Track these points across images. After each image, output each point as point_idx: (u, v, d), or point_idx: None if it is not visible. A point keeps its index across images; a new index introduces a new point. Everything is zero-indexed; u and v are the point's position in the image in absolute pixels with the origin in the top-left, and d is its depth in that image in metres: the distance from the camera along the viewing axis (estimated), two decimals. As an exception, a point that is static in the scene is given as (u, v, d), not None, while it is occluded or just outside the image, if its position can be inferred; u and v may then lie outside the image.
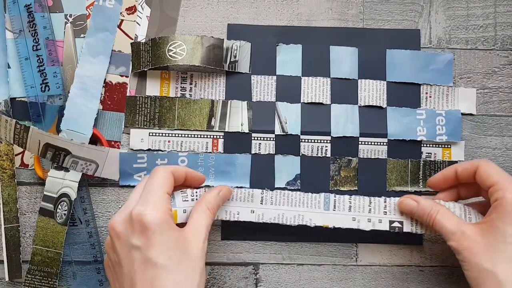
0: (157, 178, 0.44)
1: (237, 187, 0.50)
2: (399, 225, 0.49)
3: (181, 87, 0.53)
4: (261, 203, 0.49)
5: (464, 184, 0.48)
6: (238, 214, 0.49)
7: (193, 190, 0.47)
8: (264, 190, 0.50)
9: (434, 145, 0.53)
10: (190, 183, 0.48)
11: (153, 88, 0.52)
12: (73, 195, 0.49)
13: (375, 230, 0.49)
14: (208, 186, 0.50)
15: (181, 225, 0.44)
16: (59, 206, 0.49)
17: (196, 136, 0.52)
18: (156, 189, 0.43)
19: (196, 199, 0.47)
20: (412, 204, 0.47)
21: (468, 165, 0.46)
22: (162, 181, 0.44)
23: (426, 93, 0.53)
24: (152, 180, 0.44)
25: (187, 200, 0.47)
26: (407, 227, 0.48)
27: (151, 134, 0.52)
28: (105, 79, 0.52)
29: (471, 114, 0.53)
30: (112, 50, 0.52)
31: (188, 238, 0.43)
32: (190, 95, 0.53)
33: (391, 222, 0.49)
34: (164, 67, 0.53)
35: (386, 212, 0.49)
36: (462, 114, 0.53)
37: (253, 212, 0.49)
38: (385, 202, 0.49)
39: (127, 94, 0.52)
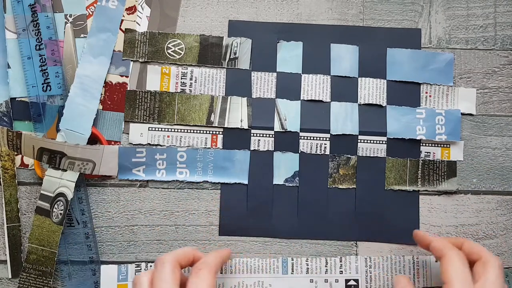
0: (165, 274, 0.41)
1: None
2: (355, 283, 0.51)
3: (181, 83, 0.53)
4: (221, 272, 0.51)
5: None
6: None
7: (148, 264, 0.50)
8: None
9: (433, 145, 0.53)
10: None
11: (153, 83, 0.53)
12: (70, 194, 0.49)
13: (375, 227, 0.49)
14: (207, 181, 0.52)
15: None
16: (55, 206, 0.49)
17: (195, 131, 0.52)
18: None
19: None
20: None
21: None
22: (170, 279, 0.41)
23: (426, 92, 0.53)
24: (161, 276, 0.41)
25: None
26: (362, 285, 0.51)
27: (150, 128, 0.52)
28: (105, 79, 0.52)
29: (471, 114, 0.53)
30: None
31: None
32: (190, 90, 0.53)
33: (347, 280, 0.51)
34: (162, 62, 0.53)
35: (342, 271, 0.51)
36: (462, 114, 0.53)
37: None
38: (340, 261, 0.51)
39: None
